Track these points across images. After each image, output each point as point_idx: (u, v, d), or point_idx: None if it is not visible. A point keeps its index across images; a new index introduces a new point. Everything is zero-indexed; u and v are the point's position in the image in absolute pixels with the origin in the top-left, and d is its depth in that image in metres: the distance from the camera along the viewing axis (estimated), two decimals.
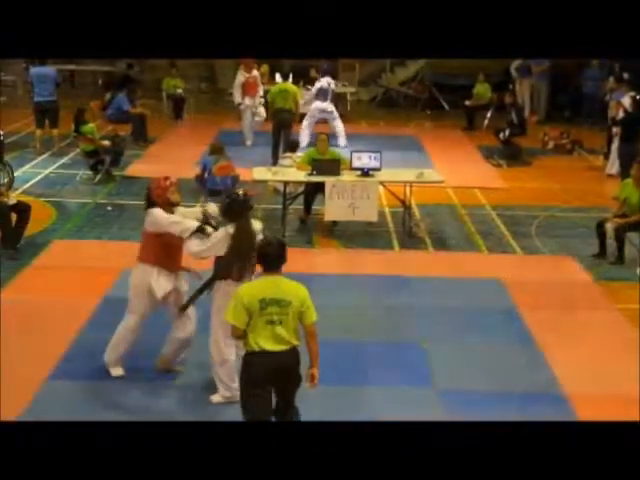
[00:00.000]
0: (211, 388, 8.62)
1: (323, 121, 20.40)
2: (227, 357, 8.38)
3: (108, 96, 21.02)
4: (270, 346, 6.84)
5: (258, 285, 7.00)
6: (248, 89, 20.12)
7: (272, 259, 6.95)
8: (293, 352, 6.95)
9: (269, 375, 6.90)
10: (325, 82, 20.19)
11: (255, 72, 20.29)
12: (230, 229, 8.14)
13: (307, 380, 7.08)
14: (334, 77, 22.09)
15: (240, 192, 8.46)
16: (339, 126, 20.43)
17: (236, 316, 6.83)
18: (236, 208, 8.27)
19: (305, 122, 20.10)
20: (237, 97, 20.26)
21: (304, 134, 19.50)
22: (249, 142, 20.05)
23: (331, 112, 20.37)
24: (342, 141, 20.09)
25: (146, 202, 8.74)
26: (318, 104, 20.14)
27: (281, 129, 18.29)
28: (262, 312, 6.79)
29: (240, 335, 6.90)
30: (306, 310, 6.94)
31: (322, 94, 20.12)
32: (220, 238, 8.17)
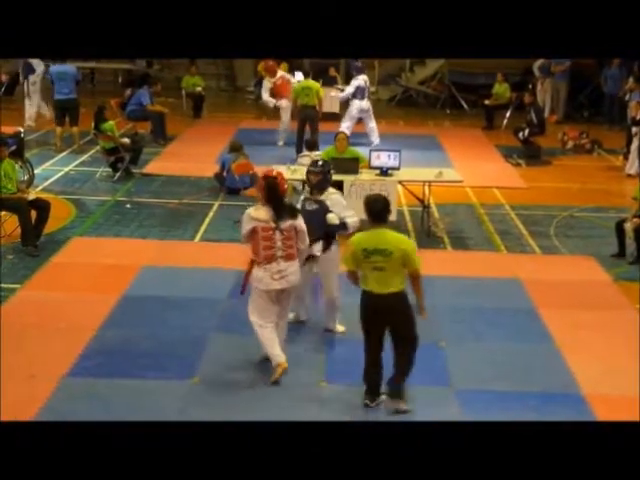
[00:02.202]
0: (226, 387, 8.64)
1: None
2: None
3: (128, 92, 21.08)
4: (374, 288, 7.96)
5: (364, 236, 8.09)
6: (281, 91, 20.23)
7: (378, 213, 8.02)
8: (396, 295, 7.99)
9: (373, 312, 8.05)
10: (362, 80, 20.35)
11: (281, 72, 20.40)
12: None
13: (419, 313, 8.25)
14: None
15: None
16: (373, 125, 20.53)
17: (346, 261, 8.17)
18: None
19: (347, 123, 20.21)
20: (269, 101, 20.40)
21: None
22: (281, 143, 20.11)
23: (367, 110, 20.44)
24: (376, 139, 20.16)
25: (276, 197, 8.71)
26: (357, 103, 20.25)
27: (305, 125, 18.66)
28: (366, 259, 7.92)
29: (354, 277, 8.14)
30: (408, 260, 7.96)
31: (360, 92, 20.25)
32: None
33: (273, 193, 8.66)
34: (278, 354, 8.75)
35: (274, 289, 8.72)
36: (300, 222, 8.77)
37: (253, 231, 8.64)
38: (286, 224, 8.65)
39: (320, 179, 9.83)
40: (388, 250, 7.87)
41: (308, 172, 9.95)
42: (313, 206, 9.65)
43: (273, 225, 8.61)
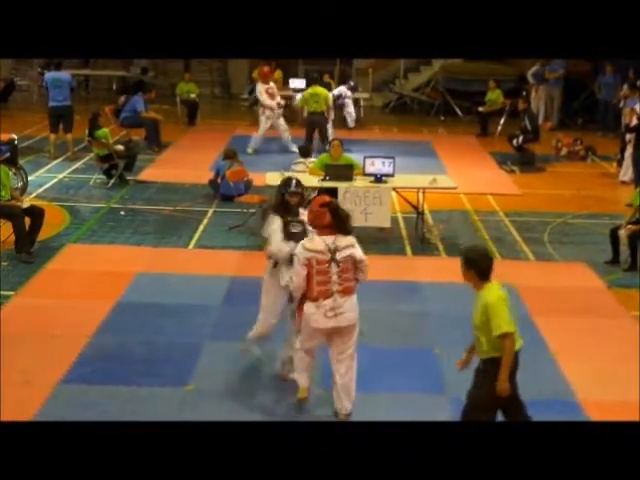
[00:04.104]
0: (221, 394, 8.65)
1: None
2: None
3: (122, 99, 21.08)
4: (519, 344, 7.12)
5: (498, 288, 7.16)
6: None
7: (491, 267, 7.18)
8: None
9: (515, 374, 7.13)
10: (344, 90, 20.97)
11: (272, 83, 20.46)
12: None
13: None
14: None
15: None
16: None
17: (507, 323, 6.96)
18: None
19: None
20: (268, 102, 20.32)
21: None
22: (250, 150, 19.85)
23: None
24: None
25: (342, 222, 7.99)
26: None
27: (313, 131, 18.99)
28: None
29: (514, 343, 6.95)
30: None
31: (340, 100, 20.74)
32: None
33: (339, 218, 7.91)
34: (302, 380, 8.33)
35: (325, 328, 7.97)
36: (359, 250, 7.99)
37: (307, 265, 7.85)
38: (343, 254, 7.86)
39: (300, 199, 8.90)
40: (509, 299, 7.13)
41: (289, 194, 8.78)
42: (298, 228, 8.64)
43: (329, 256, 7.82)
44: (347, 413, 8.13)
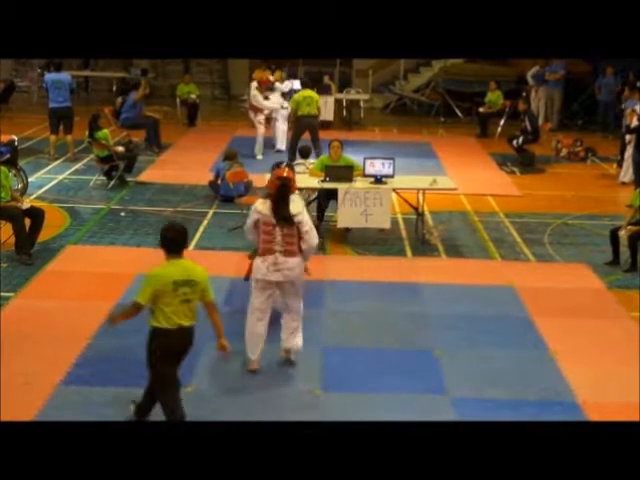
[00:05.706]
0: (221, 396, 8.64)
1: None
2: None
3: (119, 100, 21.07)
4: (186, 322, 7.58)
5: (170, 268, 7.52)
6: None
7: (179, 243, 7.56)
8: (193, 327, 7.72)
9: (182, 348, 7.67)
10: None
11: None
12: None
13: (219, 349, 7.90)
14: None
15: None
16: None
17: (144, 295, 7.42)
18: None
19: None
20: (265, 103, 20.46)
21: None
22: (260, 156, 19.91)
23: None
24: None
25: (283, 198, 8.76)
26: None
27: (303, 133, 18.86)
28: (175, 292, 7.43)
29: (136, 311, 7.48)
30: (207, 289, 7.65)
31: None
32: None
33: (282, 194, 8.71)
34: (251, 357, 9.13)
35: (268, 280, 8.86)
36: (304, 222, 8.74)
37: (257, 223, 8.80)
38: (287, 222, 8.69)
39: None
40: (195, 281, 7.52)
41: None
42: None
43: (273, 221, 8.69)
44: (290, 348, 9.21)
